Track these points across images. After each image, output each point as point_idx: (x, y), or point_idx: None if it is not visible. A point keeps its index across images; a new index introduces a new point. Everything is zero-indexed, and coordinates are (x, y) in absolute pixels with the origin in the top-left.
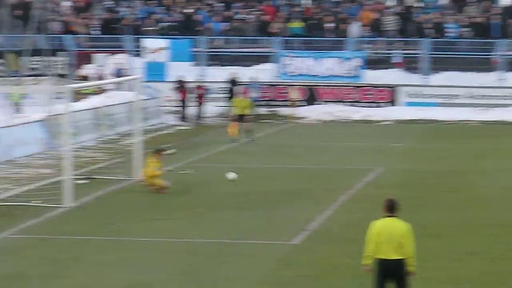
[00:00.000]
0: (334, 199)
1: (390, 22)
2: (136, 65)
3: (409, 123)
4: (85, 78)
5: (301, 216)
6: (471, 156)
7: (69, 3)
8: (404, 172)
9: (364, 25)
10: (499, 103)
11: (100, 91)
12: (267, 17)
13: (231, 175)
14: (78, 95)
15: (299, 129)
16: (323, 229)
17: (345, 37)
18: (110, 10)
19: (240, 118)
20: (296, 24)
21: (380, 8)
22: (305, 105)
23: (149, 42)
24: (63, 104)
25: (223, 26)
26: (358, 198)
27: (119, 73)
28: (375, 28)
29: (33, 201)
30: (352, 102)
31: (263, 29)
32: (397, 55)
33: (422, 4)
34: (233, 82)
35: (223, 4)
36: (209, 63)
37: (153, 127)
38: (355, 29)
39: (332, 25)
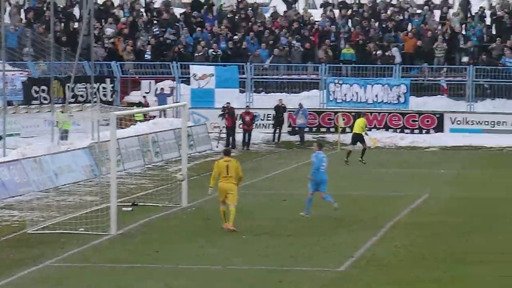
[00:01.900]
0: (380, 226)
1: (436, 49)
2: (183, 92)
3: (455, 150)
4: (131, 105)
5: (348, 243)
6: None
7: (115, 29)
8: (450, 198)
9: (410, 52)
10: None
11: (146, 117)
12: (314, 44)
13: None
14: (124, 121)
15: (346, 155)
16: (370, 256)
17: (392, 64)
18: (157, 36)
19: (357, 137)
20: (348, 51)
21: (426, 34)
22: (352, 132)
23: (197, 69)
24: (109, 131)
25: (271, 52)
26: (404, 225)
27: (166, 100)
28: (421, 54)
29: (78, 229)
30: (398, 129)
31: (310, 56)
32: (442, 81)
33: (468, 31)
34: (280, 109)
35: (270, 31)
36: (256, 90)
37: (200, 153)
38: (400, 55)
39: (379, 52)
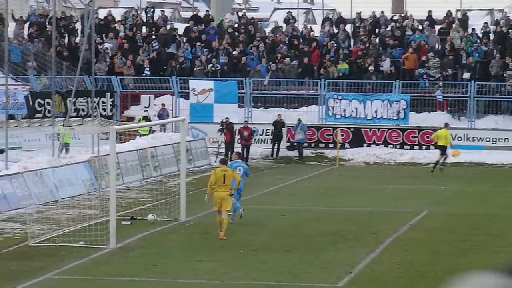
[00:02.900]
0: (379, 242)
1: (435, 65)
2: (182, 107)
3: (455, 166)
4: (131, 119)
5: (347, 259)
6: None
7: (115, 45)
8: (450, 215)
9: (409, 68)
10: None
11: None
12: (313, 60)
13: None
14: (124, 136)
15: (345, 171)
16: (369, 272)
17: (391, 80)
18: (156, 51)
19: (442, 149)
20: (342, 66)
21: (425, 50)
22: (351, 147)
23: (196, 84)
24: (109, 145)
25: (269, 68)
26: (403, 241)
27: (165, 114)
28: (420, 70)
29: (77, 242)
30: (398, 145)
31: (309, 71)
32: (438, 95)
33: (468, 46)
34: (279, 124)
35: (269, 47)
36: (255, 105)
37: (198, 168)
38: (389, 66)
39: (377, 67)
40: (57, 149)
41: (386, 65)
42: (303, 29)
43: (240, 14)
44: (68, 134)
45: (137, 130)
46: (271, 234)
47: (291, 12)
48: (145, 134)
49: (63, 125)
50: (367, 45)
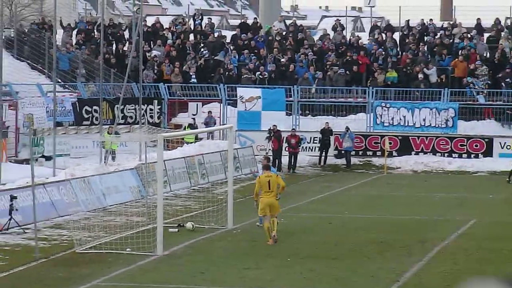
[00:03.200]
0: (427, 251)
1: (483, 73)
2: (230, 114)
3: (504, 175)
4: (179, 127)
5: (394, 267)
6: None
7: (163, 52)
8: (498, 224)
9: (458, 75)
10: None
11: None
12: (361, 67)
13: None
14: (171, 143)
15: (393, 179)
16: (416, 281)
17: (439, 88)
18: (204, 59)
19: None
20: (391, 74)
21: (475, 58)
22: (398, 156)
23: (244, 91)
24: (156, 152)
25: (318, 76)
26: (451, 249)
27: (211, 122)
28: (468, 78)
29: (124, 249)
30: (446, 153)
31: (357, 79)
32: (489, 106)
33: None
34: (327, 132)
35: (317, 54)
36: (302, 113)
37: (246, 176)
38: (436, 75)
39: (422, 75)
40: (104, 156)
41: (433, 73)
42: (351, 37)
43: (288, 22)
44: (113, 141)
45: (183, 138)
46: (318, 242)
47: (340, 20)
48: (191, 142)
49: (108, 132)
50: (416, 52)
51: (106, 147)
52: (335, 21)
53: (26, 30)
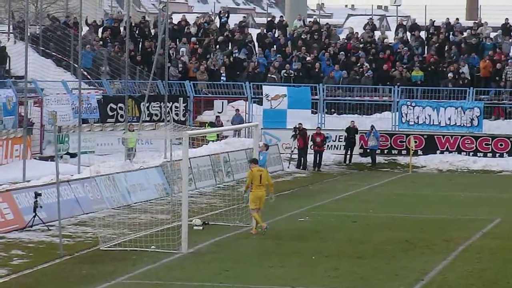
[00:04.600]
0: (452, 249)
1: (509, 72)
2: (255, 112)
3: None
4: (203, 124)
5: (418, 266)
6: None
7: (189, 50)
8: None
9: (484, 75)
10: None
11: (219, 138)
12: (387, 66)
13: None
14: (197, 141)
15: (418, 178)
16: (440, 279)
17: (465, 87)
18: (230, 56)
19: None
20: (417, 73)
21: (500, 57)
22: (423, 154)
23: (269, 89)
24: (181, 150)
25: (343, 74)
26: (476, 248)
27: (238, 120)
28: (495, 78)
29: (149, 247)
30: (471, 152)
31: (383, 78)
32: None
33: None
34: (352, 130)
35: (343, 53)
36: (328, 111)
37: (271, 174)
38: (473, 78)
39: (452, 74)
40: (129, 153)
41: (466, 71)
42: (380, 34)
43: (309, 20)
44: (132, 138)
45: (205, 136)
46: (343, 240)
47: (372, 19)
48: (213, 140)
49: (130, 130)
50: (442, 51)
51: (130, 145)
52: (368, 20)
53: (52, 28)
